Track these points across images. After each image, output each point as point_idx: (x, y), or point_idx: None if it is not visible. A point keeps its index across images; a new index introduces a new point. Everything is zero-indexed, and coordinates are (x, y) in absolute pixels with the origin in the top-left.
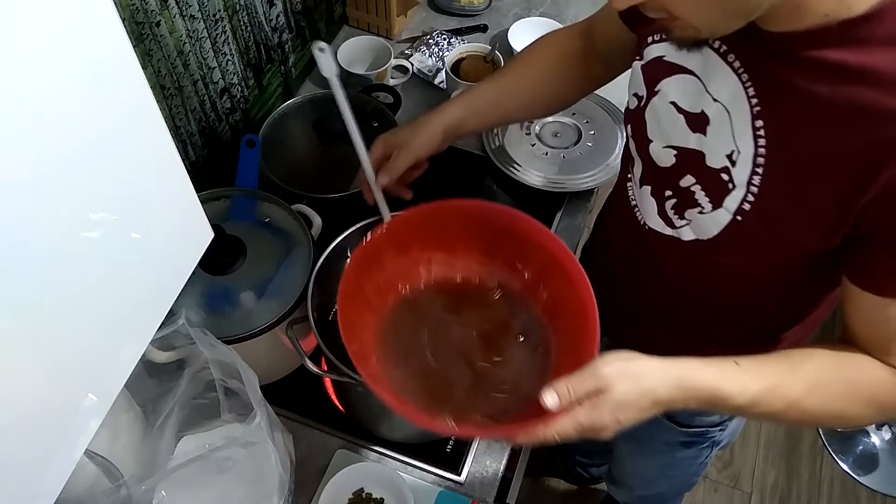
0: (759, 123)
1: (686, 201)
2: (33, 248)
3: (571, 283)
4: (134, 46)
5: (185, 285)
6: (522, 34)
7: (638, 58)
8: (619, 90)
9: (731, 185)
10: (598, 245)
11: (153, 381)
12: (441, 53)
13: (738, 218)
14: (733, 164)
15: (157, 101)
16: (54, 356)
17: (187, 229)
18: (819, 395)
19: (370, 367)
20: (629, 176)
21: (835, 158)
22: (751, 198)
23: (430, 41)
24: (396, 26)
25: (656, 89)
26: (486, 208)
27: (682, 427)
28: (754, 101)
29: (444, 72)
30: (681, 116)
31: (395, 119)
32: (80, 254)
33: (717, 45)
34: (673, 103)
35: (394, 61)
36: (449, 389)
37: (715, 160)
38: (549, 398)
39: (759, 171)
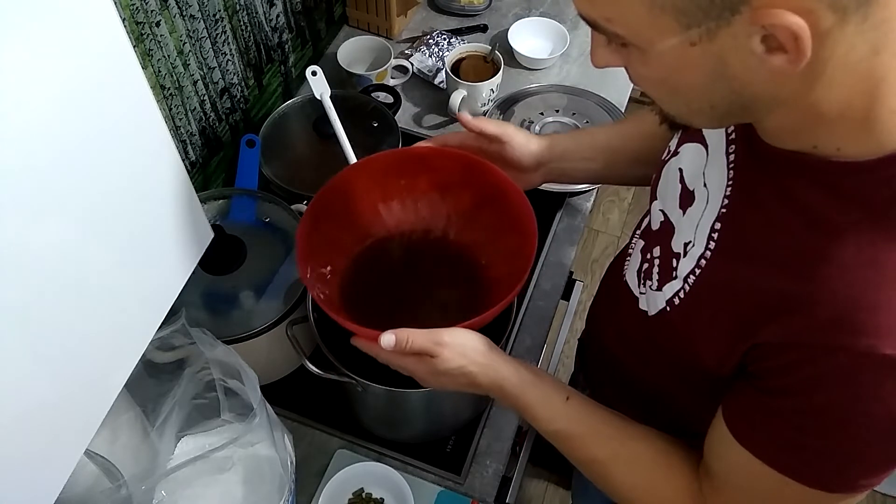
0: (718, 226)
1: (650, 271)
2: (33, 248)
3: (514, 208)
4: (134, 46)
5: (185, 285)
6: (522, 34)
7: None
8: (619, 90)
9: (674, 274)
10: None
11: (153, 381)
12: (441, 53)
13: (668, 309)
14: (685, 254)
15: (157, 101)
16: (54, 356)
17: (187, 229)
18: (626, 470)
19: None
20: (644, 221)
21: (750, 292)
22: (682, 294)
23: (430, 41)
24: (396, 26)
25: (678, 150)
26: (443, 153)
27: None
28: (725, 201)
29: (444, 72)
30: (679, 186)
31: (394, 119)
32: (79, 254)
33: (730, 129)
34: (680, 170)
35: (394, 61)
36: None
37: (677, 243)
38: (386, 337)
39: (697, 272)
